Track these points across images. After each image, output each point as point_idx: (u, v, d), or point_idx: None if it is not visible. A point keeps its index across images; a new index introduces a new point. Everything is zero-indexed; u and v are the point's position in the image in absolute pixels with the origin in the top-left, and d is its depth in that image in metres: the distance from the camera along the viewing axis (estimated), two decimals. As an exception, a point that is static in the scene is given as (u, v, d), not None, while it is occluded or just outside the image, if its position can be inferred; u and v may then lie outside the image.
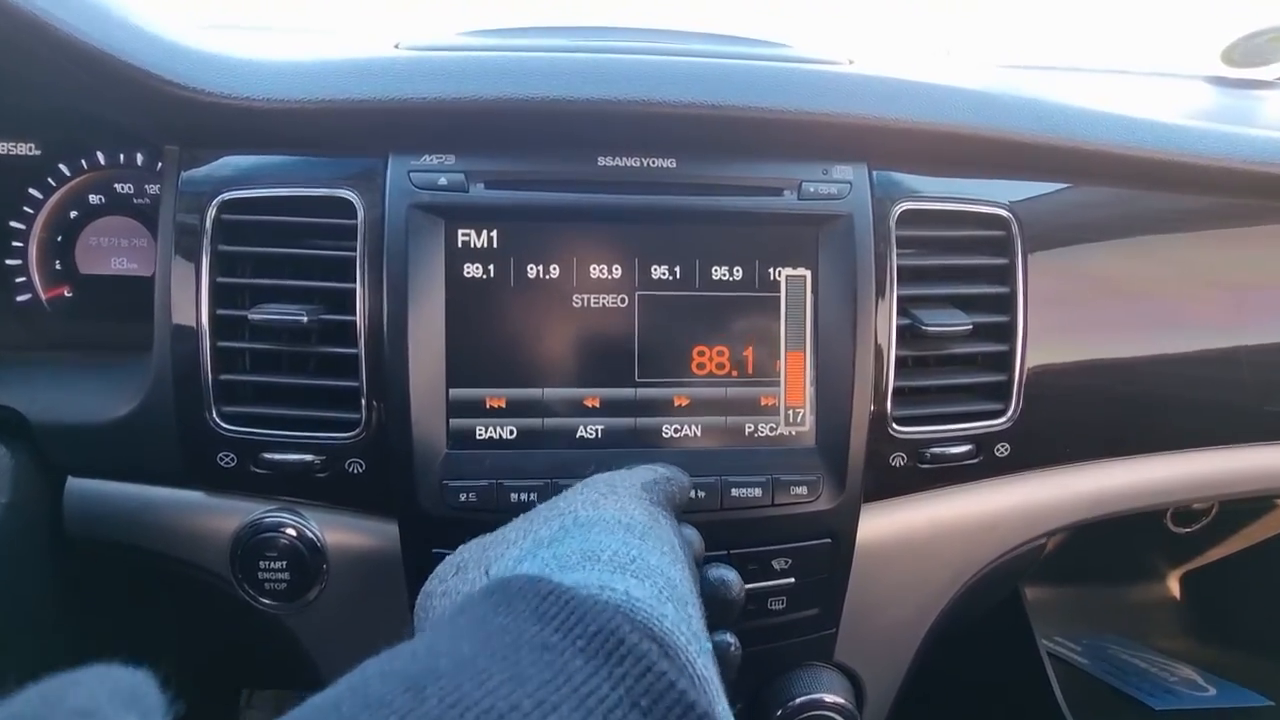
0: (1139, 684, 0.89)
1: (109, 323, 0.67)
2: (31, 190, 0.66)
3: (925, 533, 0.60)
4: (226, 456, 0.53)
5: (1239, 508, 0.88)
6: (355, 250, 0.52)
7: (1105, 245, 0.63)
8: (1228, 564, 1.03)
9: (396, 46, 0.58)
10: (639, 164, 0.53)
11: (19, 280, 0.67)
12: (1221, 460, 0.67)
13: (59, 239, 0.67)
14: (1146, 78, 1.05)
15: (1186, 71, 1.04)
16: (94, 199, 0.67)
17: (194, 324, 0.52)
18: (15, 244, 0.66)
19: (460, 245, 0.53)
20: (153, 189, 0.67)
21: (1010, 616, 0.81)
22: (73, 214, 0.67)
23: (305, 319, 0.51)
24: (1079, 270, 0.61)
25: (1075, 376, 0.61)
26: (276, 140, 0.53)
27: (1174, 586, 1.11)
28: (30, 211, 0.66)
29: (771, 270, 0.55)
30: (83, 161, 0.66)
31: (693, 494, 0.53)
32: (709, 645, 0.34)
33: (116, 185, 0.68)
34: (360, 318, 0.52)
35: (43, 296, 0.67)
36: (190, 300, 0.53)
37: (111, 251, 0.69)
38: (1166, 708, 0.84)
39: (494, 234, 0.53)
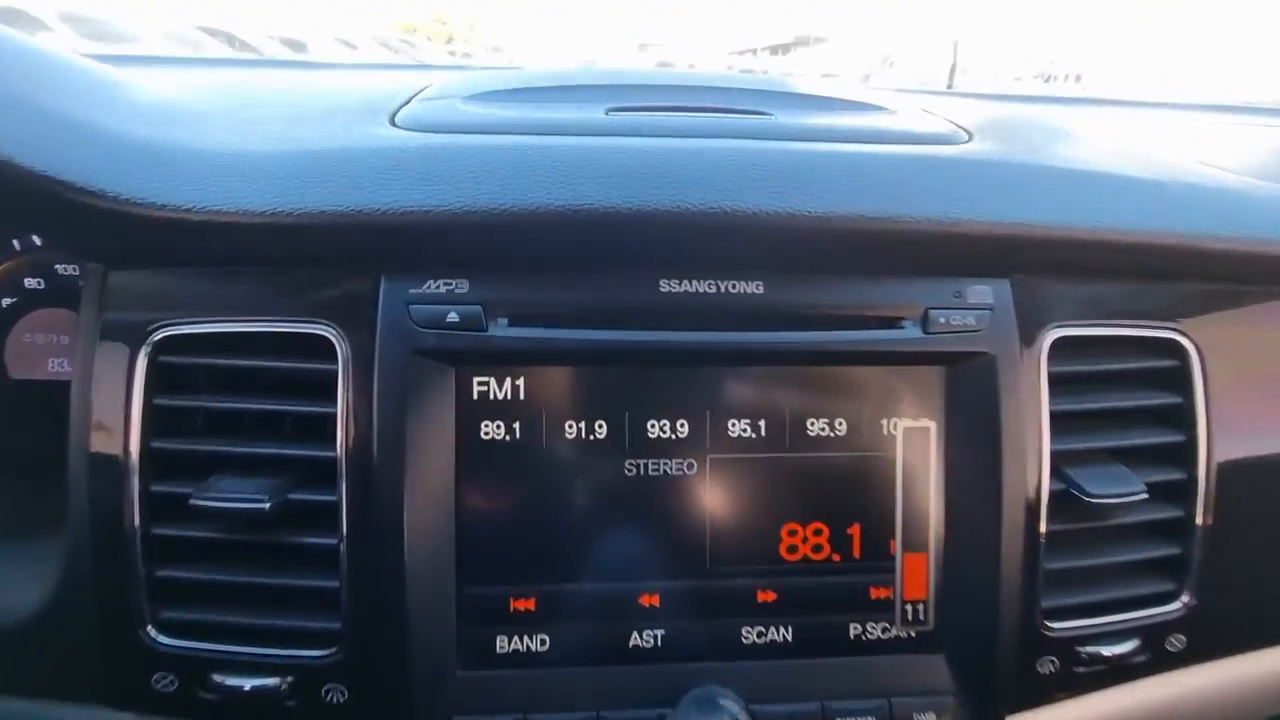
0: None
1: (43, 441, 0.54)
2: None
3: (1074, 747, 0.46)
4: (165, 678, 0.40)
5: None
6: (335, 406, 0.39)
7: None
8: None
9: (393, 121, 0.45)
10: (714, 290, 0.40)
11: None
12: None
13: None
14: (1244, 114, 0.92)
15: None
16: (31, 283, 0.55)
17: (120, 502, 0.39)
18: None
19: (476, 398, 0.40)
20: None
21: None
22: (4, 302, 0.54)
23: (267, 504, 0.38)
24: (1276, 405, 0.48)
25: (1273, 544, 0.47)
26: (231, 258, 0.40)
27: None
28: None
29: (885, 423, 0.42)
30: (14, 242, 0.54)
31: (786, 730, 0.39)
32: None
33: (59, 267, 0.55)
34: (342, 496, 0.39)
35: None
36: (116, 471, 0.39)
37: (49, 351, 0.56)
38: None
39: (521, 383, 0.40)
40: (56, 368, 0.57)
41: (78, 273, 0.56)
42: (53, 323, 0.56)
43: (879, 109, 0.54)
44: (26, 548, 0.44)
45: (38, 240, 0.54)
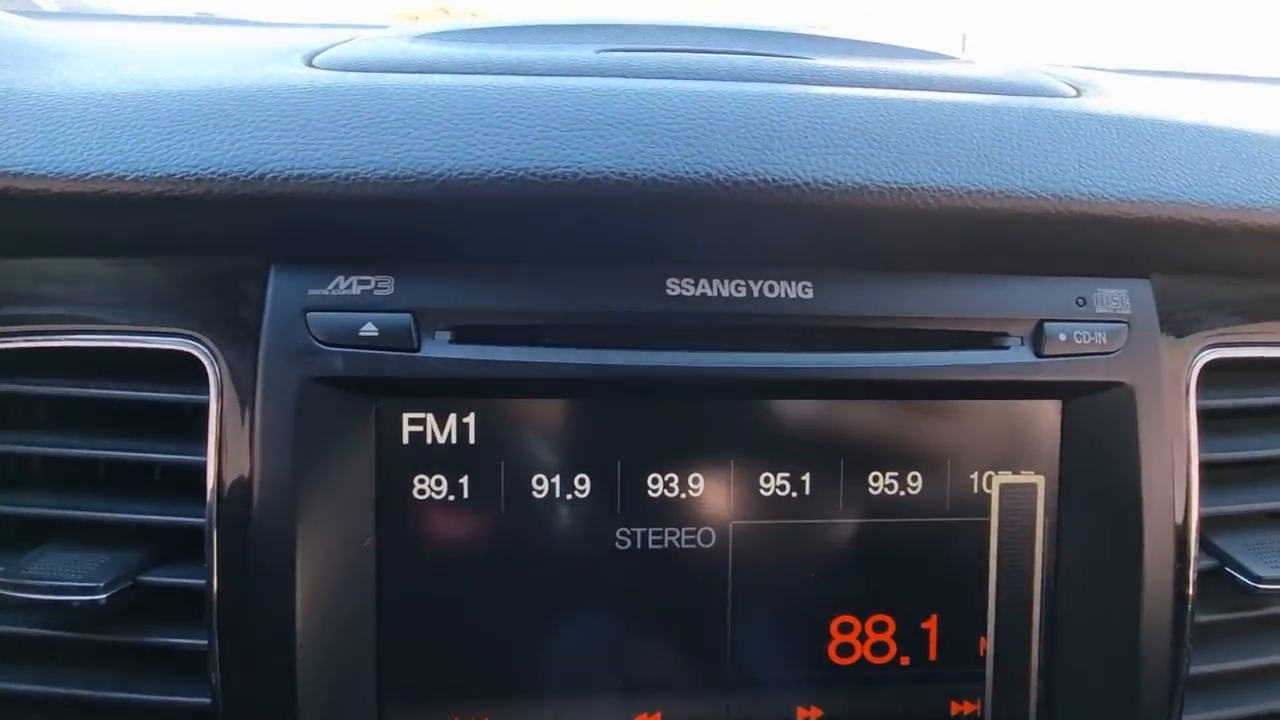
0: None
1: None
2: None
3: None
4: (-27, 824, 0.29)
5: None
6: (205, 453, 0.28)
7: None
8: None
9: (310, 62, 0.33)
10: (743, 294, 0.28)
11: None
12: None
13: None
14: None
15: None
16: None
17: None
18: None
19: (407, 443, 0.28)
20: None
21: None
22: None
23: (103, 596, 0.26)
24: None
25: None
26: (62, 244, 0.29)
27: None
28: None
29: (977, 478, 0.30)
30: None
31: None
32: None
33: None
34: (212, 578, 0.28)
35: None
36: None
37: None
38: None
39: (469, 421, 0.28)
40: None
41: None
42: None
43: (946, 57, 0.42)
44: None
45: None
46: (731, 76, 0.31)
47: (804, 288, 0.29)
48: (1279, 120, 0.38)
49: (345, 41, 0.37)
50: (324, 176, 0.27)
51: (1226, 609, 0.32)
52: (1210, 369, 0.33)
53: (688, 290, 0.28)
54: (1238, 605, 0.33)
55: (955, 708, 0.32)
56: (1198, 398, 0.32)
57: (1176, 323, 0.32)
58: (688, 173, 0.26)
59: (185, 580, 0.28)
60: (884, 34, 0.50)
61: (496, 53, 0.34)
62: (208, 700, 0.29)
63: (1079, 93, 0.36)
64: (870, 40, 0.44)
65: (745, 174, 0.25)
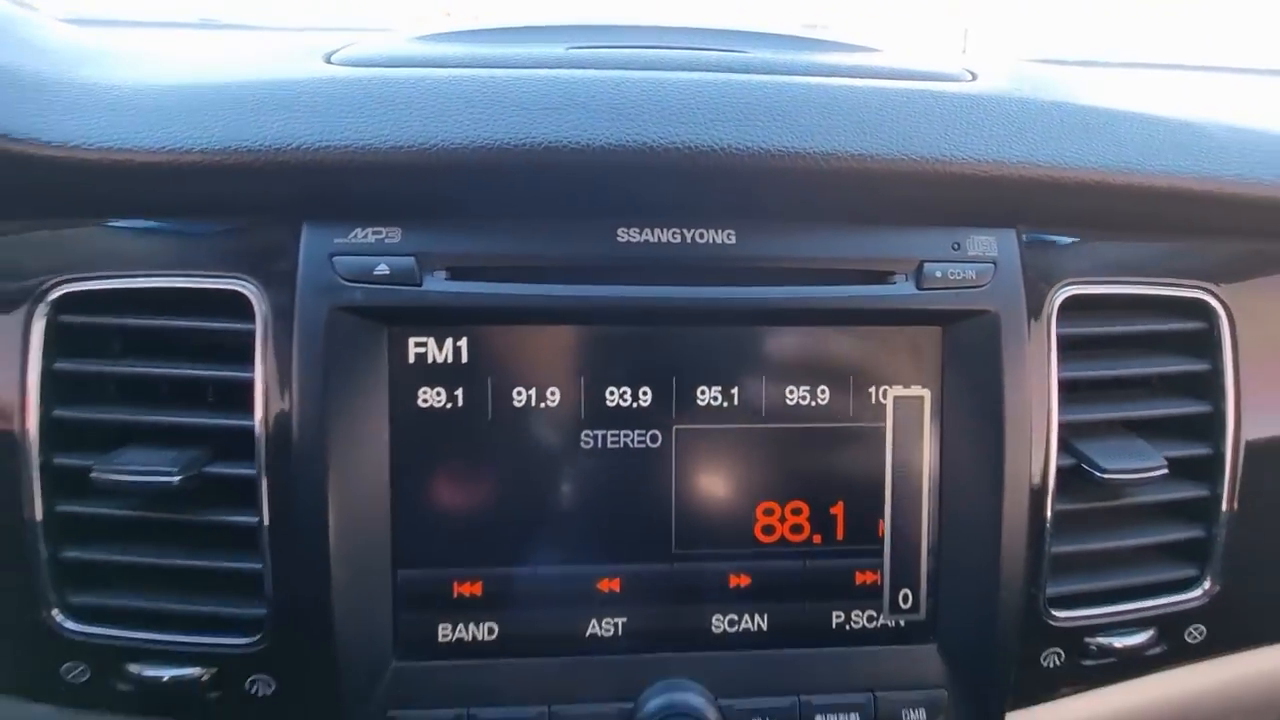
0: None
1: None
2: None
3: (1081, 745, 0.42)
4: (76, 668, 0.36)
5: None
6: (253, 370, 0.35)
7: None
8: None
9: (329, 60, 0.40)
10: (679, 239, 0.35)
11: None
12: None
13: None
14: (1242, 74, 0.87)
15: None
16: None
17: (18, 478, 0.35)
18: None
19: (413, 361, 0.35)
20: None
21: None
22: None
23: (177, 478, 0.34)
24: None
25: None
26: (137, 206, 0.36)
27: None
28: None
29: (875, 391, 0.37)
30: None
31: (757, 725, 0.36)
32: None
33: None
34: (262, 470, 0.35)
35: None
36: (12, 444, 0.35)
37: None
38: None
39: (463, 345, 0.36)
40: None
41: None
42: None
43: (870, 49, 0.49)
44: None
45: None
46: (673, 67, 0.37)
47: (728, 234, 0.36)
48: (1173, 102, 0.45)
49: (355, 43, 0.44)
50: (344, 149, 0.34)
51: (1081, 500, 0.39)
52: (1070, 303, 0.39)
53: (634, 237, 0.35)
54: (1090, 497, 0.40)
55: (859, 578, 0.39)
56: (1057, 326, 0.39)
57: (1040, 265, 0.39)
58: (629, 143, 0.33)
59: (239, 471, 0.36)
60: (877, 30, 0.56)
61: (483, 51, 0.41)
62: (259, 566, 0.36)
63: (974, 77, 0.43)
64: (803, 36, 0.51)
65: (674, 143, 0.32)
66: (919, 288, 0.36)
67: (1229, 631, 0.42)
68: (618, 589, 0.37)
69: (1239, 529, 0.41)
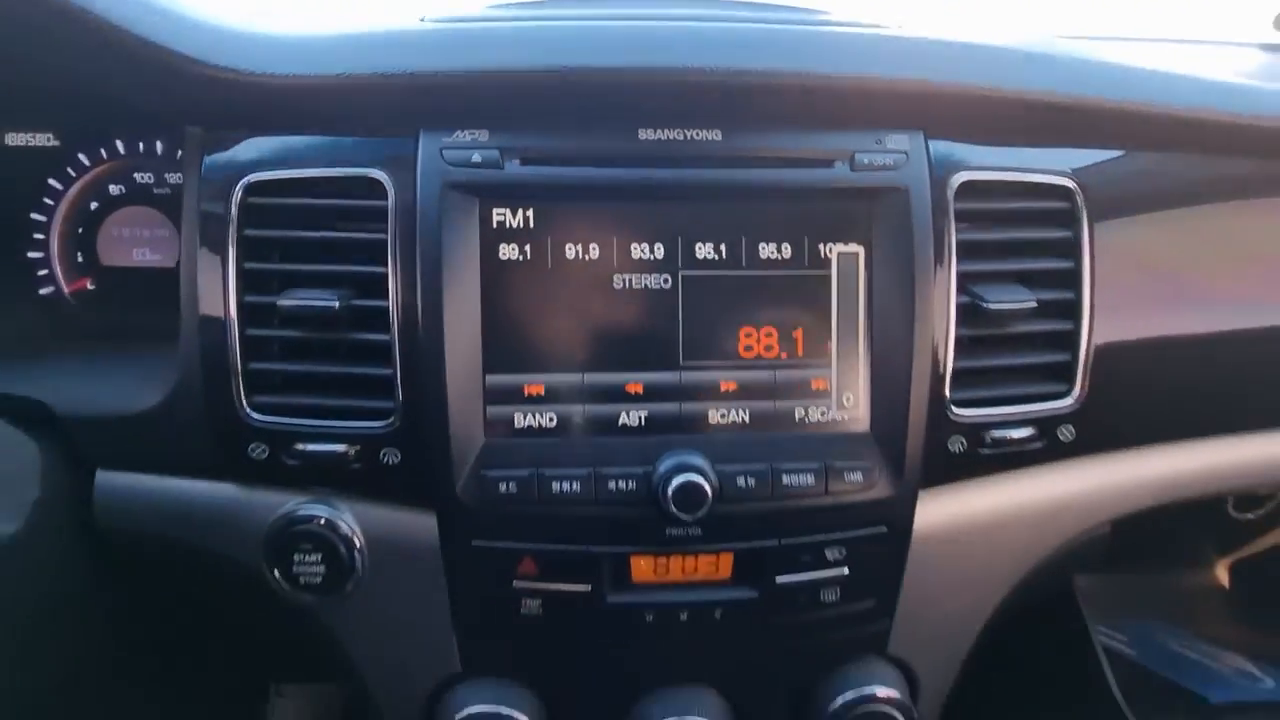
0: (1191, 675, 0.85)
1: (133, 315, 0.65)
2: (51, 181, 0.64)
3: (985, 521, 0.57)
4: (258, 448, 0.52)
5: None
6: (387, 232, 0.50)
7: (1174, 215, 0.60)
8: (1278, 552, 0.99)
9: (422, 20, 0.56)
10: (682, 137, 0.50)
11: (41, 273, 0.65)
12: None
13: (80, 230, 0.66)
14: (1196, 45, 1.00)
15: (1237, 39, 0.99)
16: (114, 189, 0.66)
17: (221, 312, 0.51)
18: (37, 236, 0.65)
19: (495, 226, 0.50)
20: (173, 178, 0.66)
21: (1063, 608, 0.78)
22: (93, 205, 0.65)
23: (336, 305, 0.49)
24: (1147, 243, 0.58)
25: (1145, 355, 0.57)
26: (302, 120, 0.51)
27: (1222, 575, 1.07)
28: (50, 203, 0.65)
29: (823, 247, 0.52)
30: (102, 151, 0.65)
31: (741, 481, 0.50)
32: None
33: (136, 175, 0.66)
34: (393, 303, 0.50)
35: (65, 289, 0.66)
36: (217, 287, 0.51)
37: (133, 243, 0.67)
38: (1224, 700, 0.81)
39: (530, 214, 0.51)
40: (139, 257, 0.68)
41: (152, 180, 0.67)
42: (135, 219, 0.67)
43: (823, 12, 0.64)
44: (141, 369, 0.56)
45: (121, 149, 0.65)
46: (675, 18, 0.53)
47: (716, 133, 0.51)
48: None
49: (440, 7, 0.59)
50: (450, 74, 0.49)
51: (974, 327, 0.54)
52: (965, 186, 0.54)
53: (651, 135, 0.50)
54: (981, 325, 0.54)
55: (814, 384, 0.53)
56: (954, 202, 0.53)
57: (943, 159, 0.53)
58: (651, 66, 0.48)
59: (377, 303, 0.50)
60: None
61: (542, 12, 0.56)
62: (390, 372, 0.51)
63: (899, 26, 0.58)
64: (772, 3, 0.66)
65: (681, 64, 0.48)
66: (852, 170, 0.51)
67: (1093, 434, 0.57)
68: (640, 390, 0.52)
69: (1097, 356, 0.56)
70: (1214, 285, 0.61)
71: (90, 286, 0.67)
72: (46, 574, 0.52)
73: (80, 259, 0.66)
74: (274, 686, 1.19)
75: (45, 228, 0.65)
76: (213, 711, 1.11)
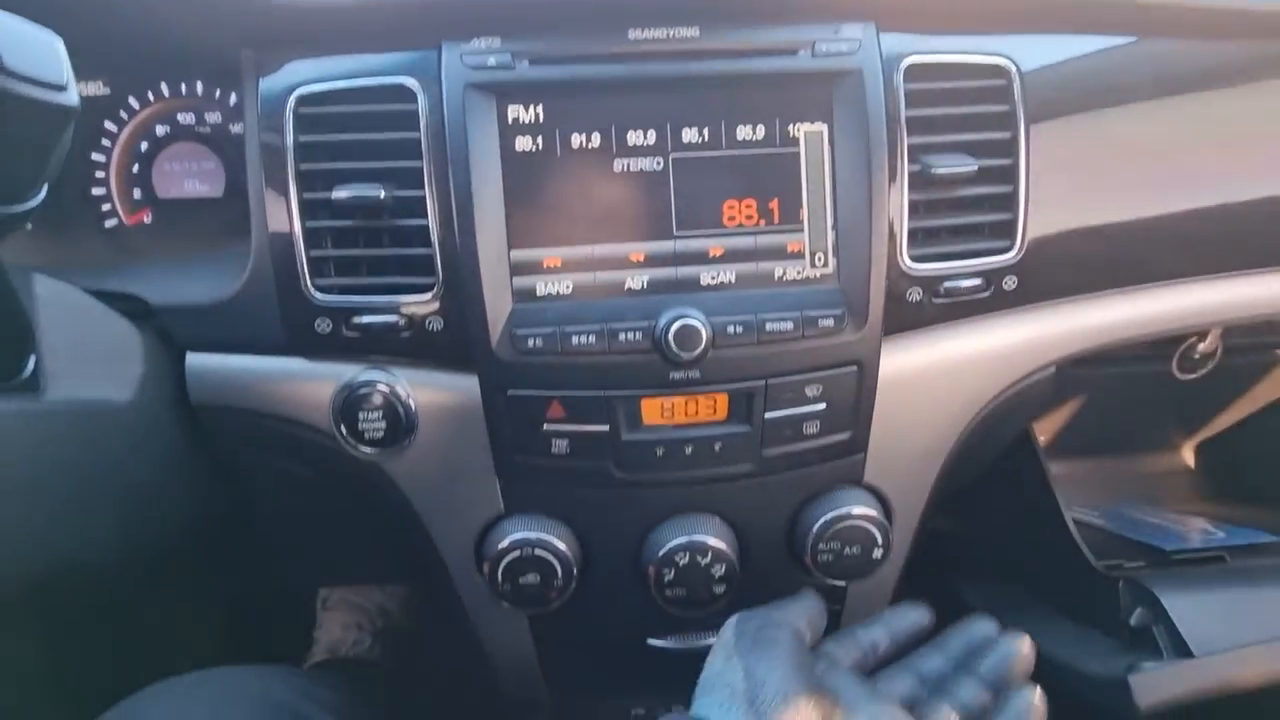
0: (1151, 534, 0.95)
1: (188, 240, 0.75)
2: (107, 124, 0.73)
3: (943, 363, 0.66)
4: (323, 323, 0.61)
5: (1243, 354, 0.93)
6: (419, 131, 0.59)
7: (1105, 90, 0.68)
8: (1239, 430, 1.08)
9: None
10: (665, 35, 0.59)
11: (105, 208, 0.74)
12: (1221, 290, 0.72)
13: (135, 168, 0.75)
14: None
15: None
16: (160, 130, 0.75)
17: (284, 208, 0.60)
18: (98, 175, 0.74)
19: (511, 121, 0.59)
20: (212, 117, 0.75)
21: (1023, 456, 0.87)
22: (144, 145, 0.74)
23: (381, 194, 0.58)
24: (1078, 116, 0.66)
25: (1077, 214, 0.66)
26: (340, 40, 0.60)
27: (1188, 456, 1.16)
28: (107, 144, 0.73)
29: (791, 127, 0.61)
30: (149, 94, 0.73)
31: (731, 329, 0.60)
32: None
33: (179, 116, 0.75)
34: (428, 192, 0.59)
35: (126, 221, 0.75)
36: (279, 187, 0.60)
37: (184, 175, 0.76)
38: (1177, 548, 0.91)
39: (540, 109, 0.59)
40: (190, 188, 0.77)
41: (194, 120, 0.76)
42: (182, 154, 0.76)
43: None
44: (218, 265, 0.65)
45: (165, 92, 0.74)
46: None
47: (694, 30, 0.59)
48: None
49: None
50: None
51: (925, 192, 0.63)
52: (913, 68, 0.62)
53: (639, 34, 0.59)
54: (930, 189, 0.63)
55: (790, 246, 0.62)
56: (905, 82, 0.62)
57: (893, 46, 0.61)
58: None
59: (416, 193, 0.59)
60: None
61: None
62: (430, 251, 0.60)
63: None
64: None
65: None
66: (813, 56, 0.60)
67: (1032, 283, 0.66)
68: (642, 258, 0.61)
69: (1034, 216, 0.65)
70: (1139, 158, 0.69)
71: (147, 221, 0.76)
72: (155, 439, 0.62)
73: (138, 196, 0.75)
74: (321, 600, 1.31)
75: (105, 167, 0.74)
76: (266, 617, 1.23)
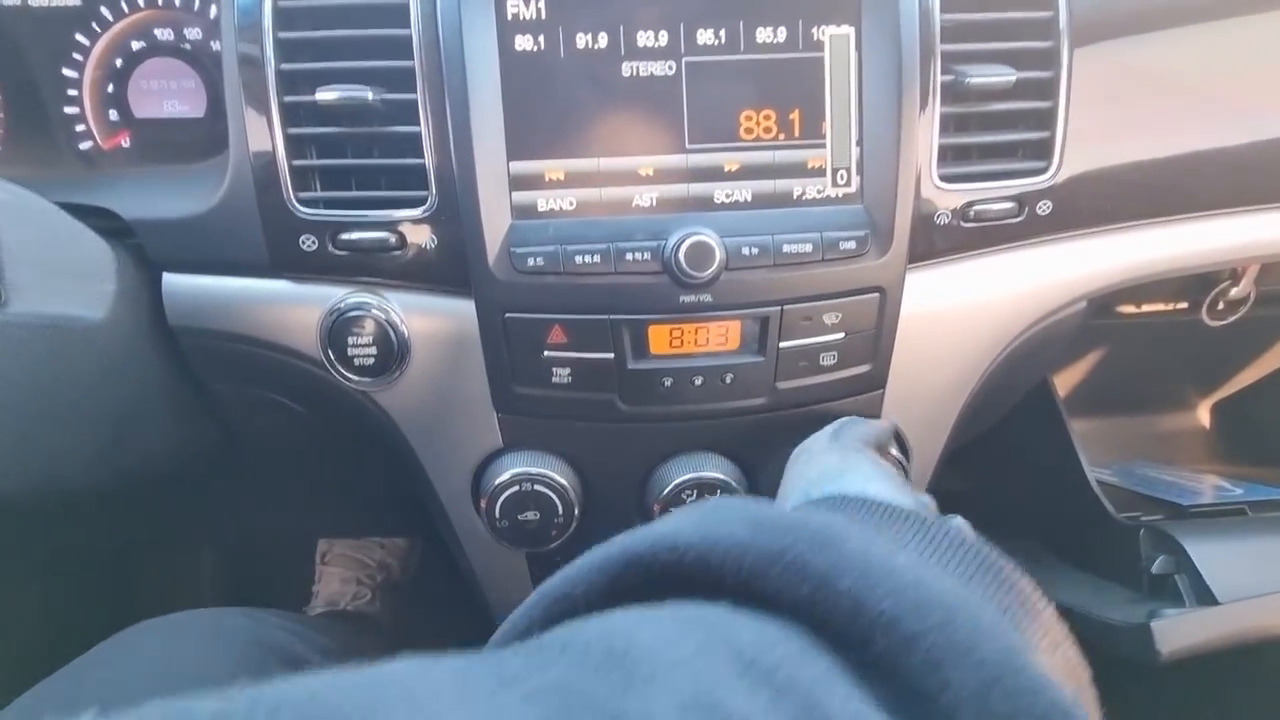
0: (1167, 490, 0.92)
1: (169, 165, 0.70)
2: (78, 36, 0.68)
3: (969, 295, 0.62)
4: (308, 239, 0.57)
5: (1276, 304, 0.89)
6: (410, 27, 0.54)
7: (1151, 15, 0.63)
8: (1257, 390, 1.05)
9: None
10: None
11: (79, 129, 0.70)
12: (1264, 223, 0.68)
13: (110, 87, 0.70)
14: None
15: None
16: (136, 45, 0.69)
17: (264, 113, 0.55)
18: (70, 92, 0.69)
19: (511, 18, 0.54)
20: (192, 32, 0.69)
21: (1042, 410, 0.84)
22: (118, 61, 0.69)
23: (370, 96, 0.53)
24: (1123, 45, 0.61)
25: (1118, 137, 0.61)
26: None
27: (1204, 416, 1.13)
28: (79, 59, 0.68)
29: (816, 30, 0.56)
30: (122, 5, 0.68)
31: (746, 250, 0.56)
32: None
33: (156, 30, 0.70)
34: (421, 95, 0.54)
35: (102, 144, 0.70)
36: (259, 90, 0.55)
37: (162, 95, 0.71)
38: (1195, 503, 0.88)
39: (542, 4, 0.54)
40: (169, 109, 0.72)
41: (172, 36, 0.70)
42: (159, 70, 0.71)
43: None
44: (197, 180, 0.61)
45: (141, 2, 0.69)
46: None
47: None
48: None
49: None
50: None
51: (958, 104, 0.58)
52: None
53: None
54: (964, 102, 0.58)
55: (811, 162, 0.58)
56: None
57: None
58: None
59: (407, 96, 0.55)
60: None
61: None
62: (423, 161, 0.56)
63: None
64: None
65: None
66: (842, -48, 0.55)
67: (1067, 209, 0.62)
68: (651, 173, 0.57)
69: (1074, 136, 0.60)
70: (1185, 85, 0.64)
71: (125, 144, 0.71)
72: (132, 360, 0.59)
73: (114, 117, 0.70)
74: (320, 554, 1.29)
75: (77, 84, 0.69)
76: (264, 568, 1.21)
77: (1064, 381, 1.02)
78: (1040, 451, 0.90)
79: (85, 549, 0.84)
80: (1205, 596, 0.67)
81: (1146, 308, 0.87)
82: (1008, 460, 0.97)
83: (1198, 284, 0.85)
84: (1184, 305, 0.86)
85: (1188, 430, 1.15)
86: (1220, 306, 0.85)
